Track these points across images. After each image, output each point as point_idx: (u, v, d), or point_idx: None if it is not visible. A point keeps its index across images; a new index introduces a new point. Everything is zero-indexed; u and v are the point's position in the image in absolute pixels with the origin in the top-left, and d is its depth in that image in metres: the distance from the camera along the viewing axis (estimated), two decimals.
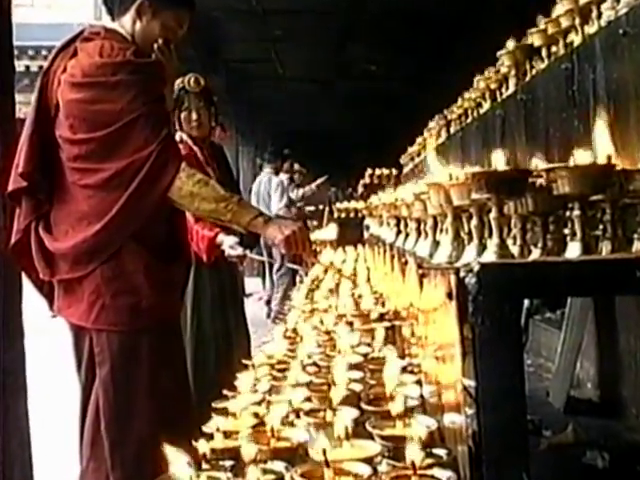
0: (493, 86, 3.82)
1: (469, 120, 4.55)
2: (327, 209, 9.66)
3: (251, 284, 9.03)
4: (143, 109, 1.85)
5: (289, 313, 2.56)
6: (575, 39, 2.60)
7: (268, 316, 7.34)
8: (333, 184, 12.98)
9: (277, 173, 7.71)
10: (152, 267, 1.91)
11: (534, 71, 3.13)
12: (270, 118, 13.56)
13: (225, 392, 1.52)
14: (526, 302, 3.39)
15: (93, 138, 1.87)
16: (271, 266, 7.72)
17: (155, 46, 2.00)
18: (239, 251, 2.98)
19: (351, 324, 2.20)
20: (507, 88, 3.52)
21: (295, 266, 5.67)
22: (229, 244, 2.97)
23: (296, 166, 8.23)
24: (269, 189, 7.54)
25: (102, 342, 1.88)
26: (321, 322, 2.30)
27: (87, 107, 1.87)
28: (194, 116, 3.12)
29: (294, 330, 2.21)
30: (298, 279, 4.24)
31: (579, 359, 3.09)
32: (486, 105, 4.02)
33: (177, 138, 3.06)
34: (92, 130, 1.87)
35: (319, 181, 8.39)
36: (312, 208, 8.41)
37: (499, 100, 3.72)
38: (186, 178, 1.86)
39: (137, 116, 1.84)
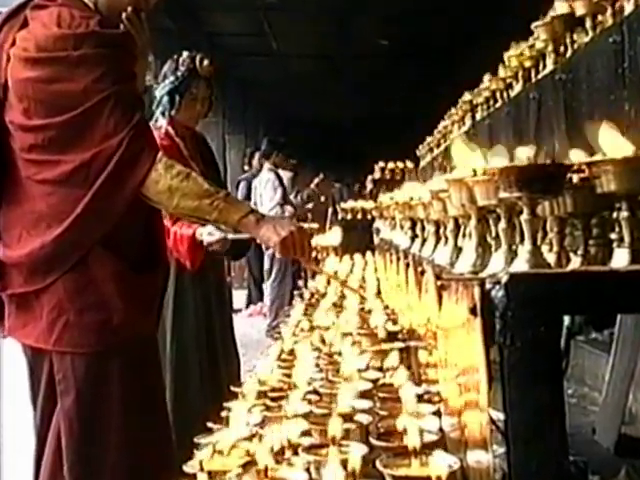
0: (527, 64, 3.84)
1: (498, 104, 4.57)
2: (330, 209, 9.67)
3: (242, 297, 9.05)
4: (111, 89, 1.86)
5: (285, 330, 2.57)
6: (626, 6, 2.60)
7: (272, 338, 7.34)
8: (337, 180, 13.00)
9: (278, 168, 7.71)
10: (124, 277, 1.92)
11: (576, 45, 3.14)
12: (263, 102, 13.60)
13: (210, 425, 1.53)
14: (566, 320, 3.39)
15: (52, 124, 1.87)
16: (261, 274, 7.72)
17: (123, 15, 1.99)
18: (217, 235, 2.98)
19: (358, 344, 2.21)
20: (544, 66, 3.54)
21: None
22: (207, 231, 2.98)
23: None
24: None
25: (65, 367, 1.88)
26: (322, 342, 2.31)
27: (44, 87, 1.87)
28: (199, 107, 3.15)
29: (291, 351, 2.22)
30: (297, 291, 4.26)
31: (632, 389, 3.08)
32: (518, 86, 4.04)
33: (156, 124, 3.08)
34: (51, 114, 1.87)
35: (316, 181, 8.39)
36: (310, 205, 8.39)
37: (534, 80, 3.74)
38: (163, 170, 1.86)
39: (104, 97, 1.85)
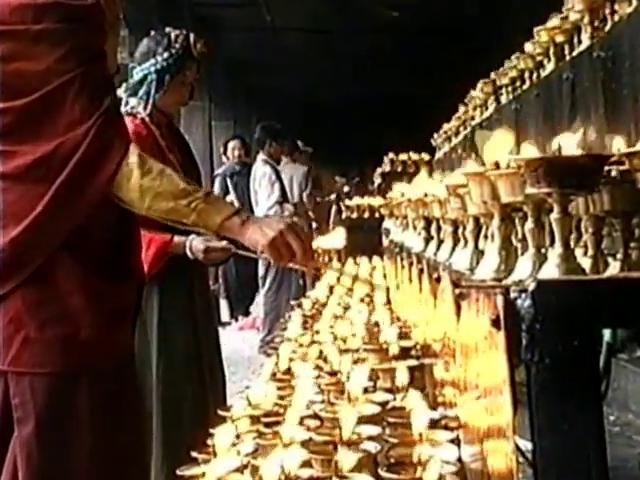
0: (559, 39, 3.84)
1: (526, 86, 4.57)
2: (334, 207, 9.69)
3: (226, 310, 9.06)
4: (77, 70, 1.85)
5: (281, 346, 2.58)
6: None
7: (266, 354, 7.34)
8: (342, 173, 13.02)
9: (278, 161, 7.71)
10: (94, 288, 1.92)
11: (616, 17, 3.15)
12: (254, 84, 13.59)
13: (195, 455, 1.54)
14: (606, 334, 3.39)
15: (8, 109, 1.86)
16: (254, 281, 7.73)
17: None
18: (220, 243, 2.99)
19: (365, 362, 2.22)
20: (579, 42, 3.54)
21: (297, 266, 5.72)
22: (200, 240, 2.98)
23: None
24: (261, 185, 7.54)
25: (23, 390, 1.87)
26: (324, 359, 2.32)
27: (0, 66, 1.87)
28: (185, 92, 3.16)
29: (287, 370, 2.23)
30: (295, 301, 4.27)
31: None
32: (550, 65, 4.05)
33: (131, 109, 3.09)
34: (7, 98, 1.86)
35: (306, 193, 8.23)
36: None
37: (567, 58, 3.74)
38: (135, 166, 1.86)
39: (70, 79, 1.84)
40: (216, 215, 1.91)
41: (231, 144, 8.80)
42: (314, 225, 7.82)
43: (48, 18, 1.87)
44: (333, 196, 10.35)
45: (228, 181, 8.35)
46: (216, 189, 8.36)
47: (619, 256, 1.40)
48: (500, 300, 1.15)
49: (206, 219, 1.91)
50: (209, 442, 1.56)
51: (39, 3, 1.88)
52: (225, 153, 9.03)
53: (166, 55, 3.05)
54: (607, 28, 3.23)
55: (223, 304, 9.05)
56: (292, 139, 8.38)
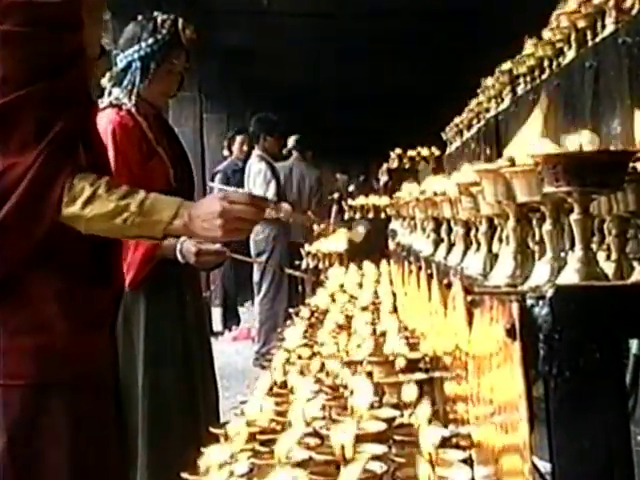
0: (581, 24, 3.84)
1: (545, 75, 4.57)
2: (334, 207, 9.70)
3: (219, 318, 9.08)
4: (36, 84, 1.87)
5: (278, 357, 2.57)
6: None
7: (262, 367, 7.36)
8: (344, 170, 13.04)
9: (274, 157, 7.71)
10: (70, 295, 1.94)
11: None
12: (249, 74, 13.59)
13: (184, 475, 1.54)
14: (634, 346, 3.39)
15: None
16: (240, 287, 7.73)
17: None
18: (214, 246, 3.00)
19: (370, 375, 2.22)
20: (603, 27, 3.54)
21: (297, 273, 5.75)
22: (192, 243, 2.99)
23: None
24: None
25: None
26: (325, 372, 2.32)
27: None
28: (173, 82, 3.16)
29: (285, 383, 2.23)
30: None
31: None
32: (571, 53, 4.04)
33: (110, 100, 3.09)
34: None
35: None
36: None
37: (590, 44, 3.74)
38: (64, 195, 1.89)
39: (26, 94, 1.86)
40: (156, 225, 1.95)
41: (239, 138, 8.75)
42: (315, 226, 7.82)
43: (12, 19, 1.88)
44: (336, 195, 10.37)
45: (230, 178, 8.35)
46: (215, 189, 8.36)
47: None
48: (515, 308, 1.15)
49: (148, 231, 1.96)
50: (200, 462, 1.56)
51: (5, 2, 1.89)
52: (229, 148, 8.98)
53: (151, 41, 3.04)
54: (634, 12, 3.23)
55: (215, 312, 9.06)
56: (299, 137, 8.38)
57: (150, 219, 1.94)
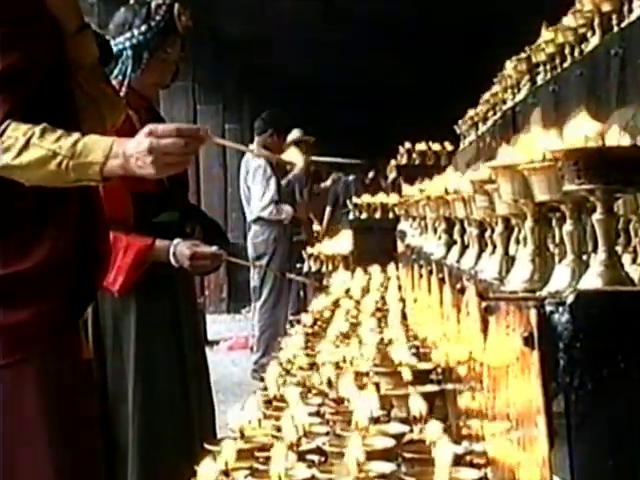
0: (606, 8, 3.84)
1: (567, 63, 4.56)
2: (328, 208, 9.70)
3: (219, 325, 9.08)
4: None
5: (278, 369, 2.58)
6: None
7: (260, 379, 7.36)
8: (339, 167, 12.98)
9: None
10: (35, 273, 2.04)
11: None
12: (246, 61, 13.58)
13: None
14: None
15: None
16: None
17: None
18: (209, 248, 3.01)
19: (377, 387, 2.23)
20: (629, 10, 3.53)
21: (299, 278, 5.76)
22: (187, 245, 3.00)
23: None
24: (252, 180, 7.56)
25: None
26: (328, 384, 2.33)
27: None
28: (167, 72, 3.17)
29: (283, 396, 2.23)
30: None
31: None
32: (594, 39, 4.04)
33: None
34: None
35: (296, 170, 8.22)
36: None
37: (616, 30, 3.74)
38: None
39: None
40: (90, 166, 2.00)
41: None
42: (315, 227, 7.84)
43: None
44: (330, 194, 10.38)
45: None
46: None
47: None
48: (534, 315, 1.15)
49: (85, 173, 2.01)
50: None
51: None
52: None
53: (144, 28, 3.04)
54: None
55: (209, 320, 9.07)
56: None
57: (84, 160, 1.99)
